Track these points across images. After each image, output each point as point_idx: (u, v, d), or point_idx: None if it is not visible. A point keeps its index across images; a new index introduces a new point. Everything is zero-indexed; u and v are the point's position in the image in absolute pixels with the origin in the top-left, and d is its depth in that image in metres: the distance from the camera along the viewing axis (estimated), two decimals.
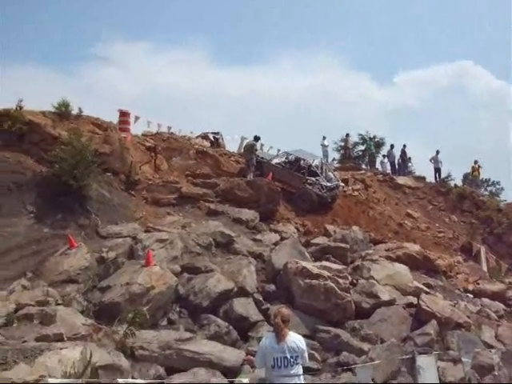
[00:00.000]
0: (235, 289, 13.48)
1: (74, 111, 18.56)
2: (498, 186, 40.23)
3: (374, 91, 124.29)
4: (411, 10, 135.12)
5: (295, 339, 7.14)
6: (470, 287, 18.36)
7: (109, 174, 17.82)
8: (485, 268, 22.41)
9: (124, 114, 21.56)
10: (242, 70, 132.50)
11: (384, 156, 35.36)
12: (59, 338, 9.36)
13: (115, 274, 12.90)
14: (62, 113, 18.00)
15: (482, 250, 23.56)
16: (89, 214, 15.67)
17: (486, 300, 17.12)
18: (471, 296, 17.48)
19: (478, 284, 19.00)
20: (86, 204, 15.78)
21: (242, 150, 25.94)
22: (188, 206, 18.99)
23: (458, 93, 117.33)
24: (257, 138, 23.99)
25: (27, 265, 13.17)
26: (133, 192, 18.36)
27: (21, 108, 16.86)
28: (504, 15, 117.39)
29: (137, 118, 24.10)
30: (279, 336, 7.09)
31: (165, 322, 12.30)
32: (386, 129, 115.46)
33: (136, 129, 24.03)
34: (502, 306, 16.85)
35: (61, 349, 8.60)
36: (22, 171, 15.40)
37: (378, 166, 35.09)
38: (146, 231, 15.67)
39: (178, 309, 12.78)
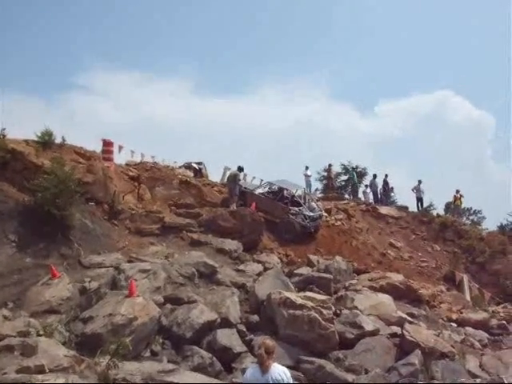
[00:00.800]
0: (218, 320, 13.43)
1: (58, 140, 18.56)
2: (479, 215, 40.38)
3: (356, 121, 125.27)
4: (392, 39, 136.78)
5: (279, 371, 7.12)
6: (454, 316, 18.33)
7: (92, 203, 17.81)
8: (468, 297, 22.46)
9: (107, 144, 21.56)
10: (227, 100, 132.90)
11: (366, 186, 35.48)
12: (41, 369, 9.23)
13: (98, 305, 12.78)
14: (45, 142, 18.01)
15: (465, 278, 23.65)
16: (71, 243, 15.60)
17: (469, 329, 17.08)
18: (455, 325, 17.44)
19: (462, 313, 18.99)
20: (69, 234, 15.71)
21: (225, 180, 25.96)
22: (171, 236, 18.94)
23: (439, 122, 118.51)
24: (240, 169, 24.02)
25: (8, 295, 13.07)
26: (116, 222, 18.31)
27: (4, 136, 16.86)
28: (485, 46, 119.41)
29: (120, 148, 24.07)
30: (263, 367, 7.05)
31: (148, 354, 12.18)
32: (369, 158, 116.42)
33: (119, 158, 24.03)
34: (485, 334, 16.82)
35: (42, 381, 8.53)
36: (4, 200, 15.34)
37: (360, 195, 35.23)
38: (128, 261, 15.61)
39: (161, 340, 12.66)
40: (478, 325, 17.62)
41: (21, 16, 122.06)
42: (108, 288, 13.98)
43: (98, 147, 21.36)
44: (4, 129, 17.13)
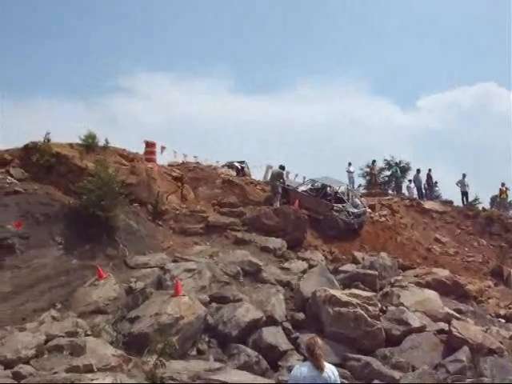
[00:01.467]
0: (264, 318, 13.39)
1: (101, 143, 18.77)
2: None
3: (396, 116, 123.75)
4: (433, 32, 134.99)
5: (327, 369, 7.06)
6: (502, 312, 18.01)
7: (136, 204, 17.95)
8: None
9: (150, 145, 21.72)
10: (263, 97, 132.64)
11: (410, 181, 34.98)
12: (89, 369, 9.35)
13: (144, 305, 12.86)
14: (89, 144, 18.24)
15: None
16: (117, 244, 15.77)
17: None
18: (503, 321, 17.12)
19: (510, 308, 18.65)
20: (114, 235, 15.87)
21: (268, 179, 25.96)
22: (215, 236, 18.97)
23: (483, 115, 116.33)
24: (282, 167, 23.97)
25: (56, 296, 13.28)
26: (160, 222, 18.44)
27: (48, 141, 17.11)
28: None
29: (163, 149, 24.25)
30: (319, 365, 6.99)
31: (194, 352, 12.21)
32: (410, 153, 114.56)
33: (162, 159, 24.21)
34: None
35: (91, 380, 8.64)
36: (51, 203, 15.58)
37: (404, 191, 34.83)
38: (173, 261, 15.71)
39: (207, 339, 12.68)
40: None
41: (64, 22, 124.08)
42: (154, 288, 14.04)
43: (136, 147, 21.63)
44: (48, 133, 17.42)
